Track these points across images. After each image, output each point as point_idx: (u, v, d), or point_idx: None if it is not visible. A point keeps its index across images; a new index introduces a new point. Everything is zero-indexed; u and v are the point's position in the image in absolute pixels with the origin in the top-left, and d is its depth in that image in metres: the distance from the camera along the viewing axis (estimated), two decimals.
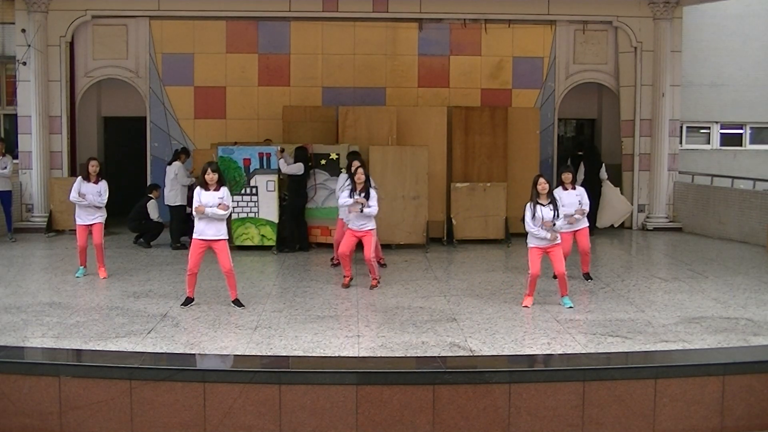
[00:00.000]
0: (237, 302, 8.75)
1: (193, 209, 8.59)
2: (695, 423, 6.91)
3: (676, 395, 6.88)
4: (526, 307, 8.86)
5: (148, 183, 15.02)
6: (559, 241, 8.92)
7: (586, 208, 10.00)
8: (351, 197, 9.60)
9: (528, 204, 8.75)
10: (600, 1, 15.30)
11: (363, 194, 9.60)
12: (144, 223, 13.12)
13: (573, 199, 9.88)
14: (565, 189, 9.95)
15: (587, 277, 10.38)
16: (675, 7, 15.07)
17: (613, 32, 15.66)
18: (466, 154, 13.78)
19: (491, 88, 15.67)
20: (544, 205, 8.67)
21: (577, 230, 10.02)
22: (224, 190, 8.64)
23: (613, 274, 10.84)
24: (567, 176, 10.00)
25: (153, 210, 13.13)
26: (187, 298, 8.77)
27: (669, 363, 7.19)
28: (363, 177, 9.65)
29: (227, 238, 8.72)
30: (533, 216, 8.68)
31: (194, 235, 8.63)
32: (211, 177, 8.54)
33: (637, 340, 7.65)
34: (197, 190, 8.63)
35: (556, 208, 8.69)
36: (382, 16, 15.23)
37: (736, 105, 17.38)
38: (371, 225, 9.76)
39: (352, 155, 11.28)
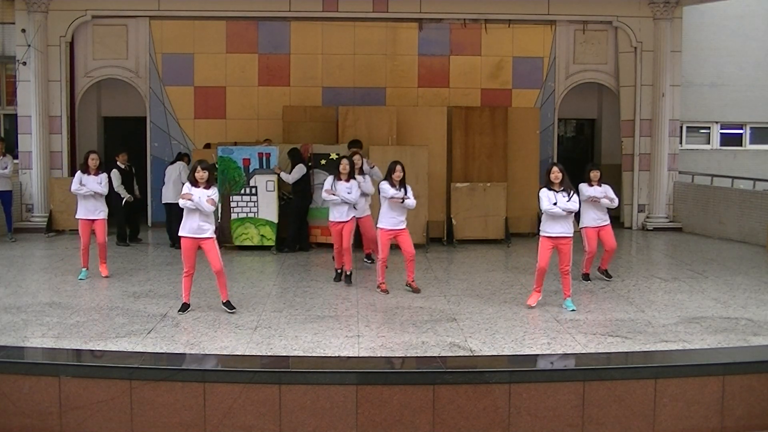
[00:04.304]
0: (228, 304, 8.60)
1: (181, 196, 8.48)
2: (695, 423, 6.91)
3: (676, 395, 6.88)
4: (530, 306, 8.78)
5: (148, 183, 15.05)
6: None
7: (616, 200, 10.04)
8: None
9: (541, 190, 8.71)
10: (600, 1, 15.31)
11: (402, 189, 9.50)
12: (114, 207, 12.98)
13: (598, 194, 9.96)
14: (591, 185, 10.00)
15: (606, 274, 10.40)
16: (675, 7, 15.08)
17: (613, 32, 15.67)
18: (466, 154, 13.78)
19: (491, 88, 15.68)
20: (557, 192, 8.62)
21: (601, 227, 10.04)
22: (214, 189, 8.52)
23: (613, 274, 10.82)
24: (595, 174, 10.02)
25: (115, 179, 12.83)
26: (184, 304, 8.58)
27: (669, 363, 7.18)
28: (401, 174, 9.53)
29: (215, 236, 8.59)
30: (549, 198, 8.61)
31: (181, 233, 8.47)
32: (201, 175, 8.44)
33: (637, 340, 7.65)
34: (186, 184, 8.56)
35: (569, 195, 8.63)
36: (382, 16, 15.24)
37: (736, 105, 17.38)
38: (404, 223, 9.66)
39: (353, 144, 11.63)
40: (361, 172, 10.51)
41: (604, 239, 10.08)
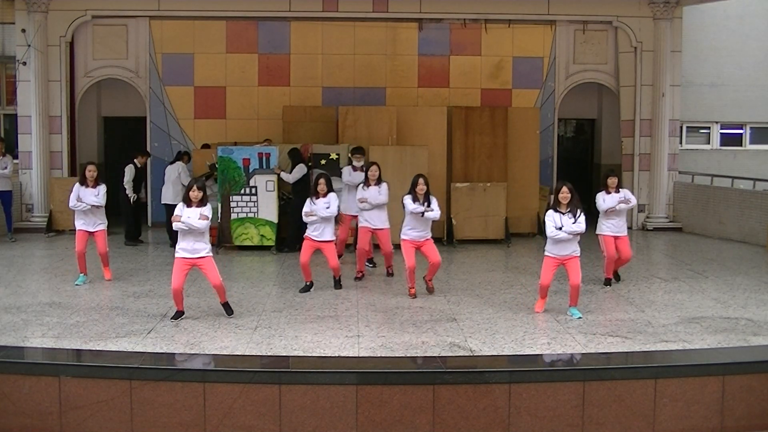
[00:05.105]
0: (226, 306, 8.49)
1: (172, 219, 8.30)
2: (695, 423, 6.91)
3: (676, 395, 6.88)
4: (538, 312, 8.61)
5: (149, 183, 15.05)
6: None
7: (633, 201, 9.95)
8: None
9: (547, 212, 8.53)
10: (600, 1, 15.30)
11: (426, 203, 9.24)
12: (122, 204, 13.05)
13: (614, 204, 9.81)
14: (608, 193, 9.87)
15: (616, 276, 10.26)
16: (675, 7, 15.08)
17: (613, 32, 15.67)
18: (466, 154, 13.78)
19: (491, 88, 15.68)
20: (563, 213, 8.40)
21: (618, 237, 9.89)
22: (207, 207, 8.27)
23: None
24: (612, 180, 9.90)
25: (128, 172, 13.07)
26: (177, 311, 8.38)
27: (669, 363, 7.19)
28: (424, 187, 9.28)
29: (212, 254, 8.40)
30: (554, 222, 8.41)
31: (177, 254, 8.32)
32: (195, 195, 8.21)
33: (637, 340, 7.65)
34: (179, 205, 8.33)
35: (575, 216, 8.37)
36: (382, 16, 15.24)
37: (736, 105, 17.38)
38: (429, 233, 9.48)
39: (357, 150, 11.35)
40: (379, 182, 10.19)
41: (620, 249, 9.91)
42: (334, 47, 15.49)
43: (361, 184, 10.30)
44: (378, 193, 10.17)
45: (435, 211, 9.27)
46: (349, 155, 11.69)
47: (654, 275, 10.94)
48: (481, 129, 13.81)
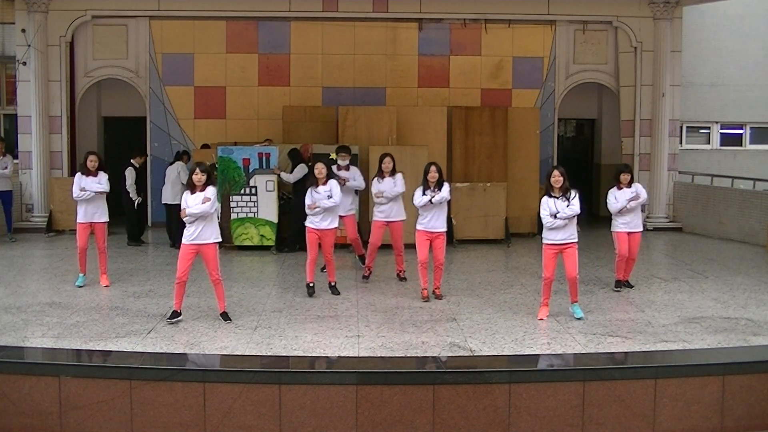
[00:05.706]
0: (224, 315, 8.33)
1: (181, 215, 8.23)
2: (695, 423, 6.91)
3: (676, 395, 6.88)
4: (541, 320, 8.38)
5: (149, 183, 15.07)
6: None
7: (643, 195, 9.71)
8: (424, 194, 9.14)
9: (541, 199, 8.41)
10: (600, 1, 15.31)
11: (437, 189, 9.04)
12: (125, 206, 13.05)
13: (624, 203, 9.59)
14: (620, 188, 9.65)
15: (627, 284, 9.98)
16: (675, 7, 15.08)
17: (613, 32, 15.67)
18: (466, 154, 13.79)
19: (491, 88, 15.69)
20: (557, 198, 8.28)
21: (632, 233, 9.69)
22: (210, 189, 8.16)
23: (613, 274, 10.80)
24: (625, 176, 9.66)
25: (129, 176, 13.03)
26: (174, 311, 8.24)
27: (669, 363, 7.19)
28: (436, 175, 9.09)
29: (219, 241, 8.28)
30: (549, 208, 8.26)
31: (183, 240, 8.20)
32: (198, 177, 8.13)
33: (637, 340, 7.65)
34: (185, 194, 8.26)
35: (569, 200, 8.24)
36: (382, 16, 15.25)
37: (736, 105, 17.38)
38: (444, 227, 9.28)
39: (341, 149, 11.04)
40: (393, 174, 9.96)
41: (630, 246, 9.72)
42: (334, 47, 15.50)
43: (376, 178, 10.03)
44: (393, 185, 9.93)
45: (442, 193, 9.06)
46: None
47: (654, 275, 10.94)
48: (481, 129, 13.82)
